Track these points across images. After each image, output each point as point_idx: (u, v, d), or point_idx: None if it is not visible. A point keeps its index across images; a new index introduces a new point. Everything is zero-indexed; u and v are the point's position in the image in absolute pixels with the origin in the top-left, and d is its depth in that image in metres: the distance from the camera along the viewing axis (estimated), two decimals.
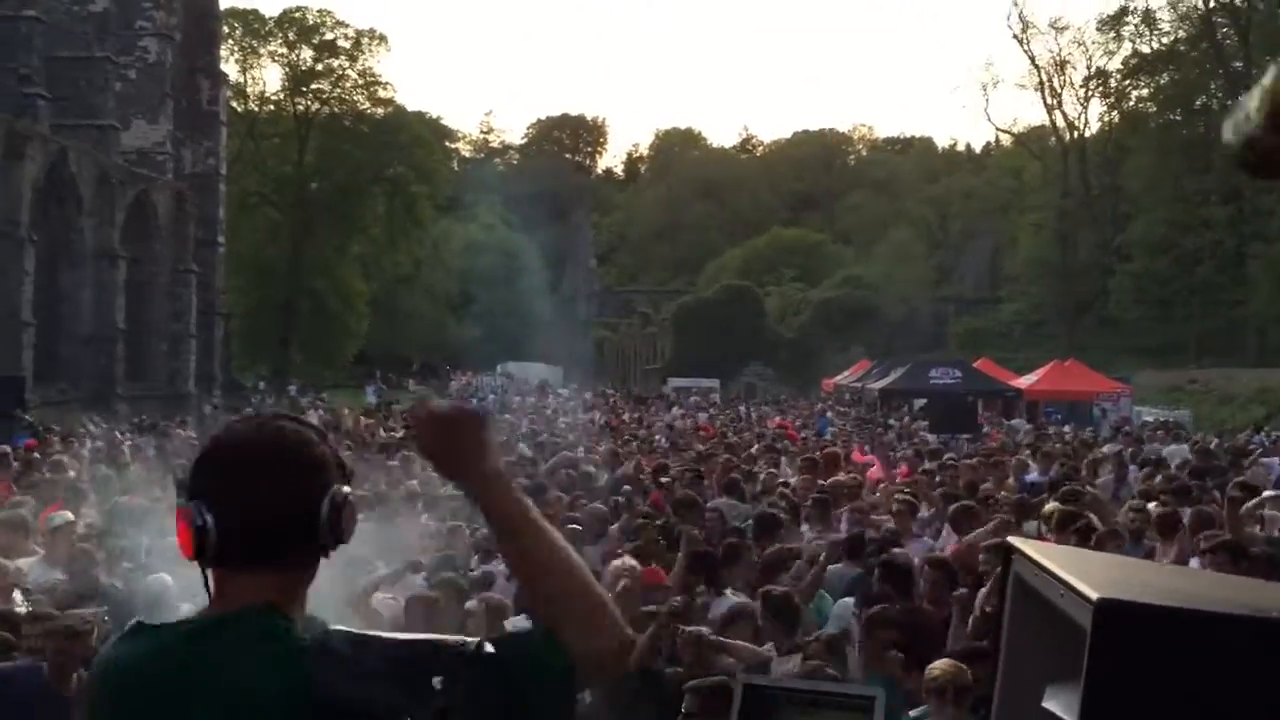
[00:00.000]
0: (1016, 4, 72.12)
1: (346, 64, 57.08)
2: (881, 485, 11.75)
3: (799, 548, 7.59)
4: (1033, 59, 58.48)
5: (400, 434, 17.72)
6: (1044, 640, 1.80)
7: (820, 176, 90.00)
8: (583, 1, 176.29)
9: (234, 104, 49.97)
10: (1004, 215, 64.15)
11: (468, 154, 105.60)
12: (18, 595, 6.12)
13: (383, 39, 58.67)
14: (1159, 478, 12.00)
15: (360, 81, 57.33)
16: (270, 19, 57.53)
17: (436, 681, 1.54)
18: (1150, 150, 51.14)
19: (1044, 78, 57.78)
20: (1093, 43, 57.32)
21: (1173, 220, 47.75)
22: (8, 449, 13.49)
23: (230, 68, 50.76)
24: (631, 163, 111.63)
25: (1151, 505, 9.18)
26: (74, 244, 30.97)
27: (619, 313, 71.47)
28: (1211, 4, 50.44)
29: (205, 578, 1.69)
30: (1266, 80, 1.32)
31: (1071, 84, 58.55)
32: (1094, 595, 1.40)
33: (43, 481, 10.99)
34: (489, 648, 1.59)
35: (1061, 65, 58.06)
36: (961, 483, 11.00)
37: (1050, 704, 1.67)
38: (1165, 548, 7.90)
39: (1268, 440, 19.82)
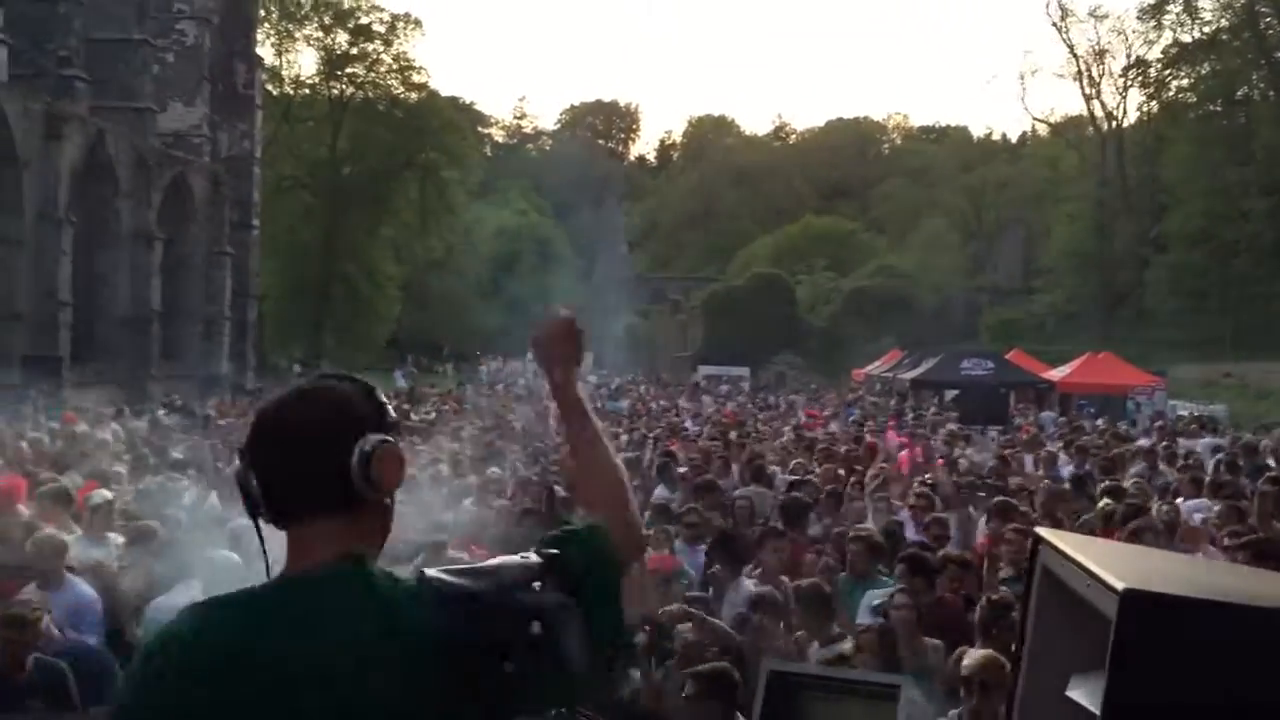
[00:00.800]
0: None
1: (381, 48, 57.24)
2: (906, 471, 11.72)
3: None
4: (1071, 48, 57.93)
5: (433, 417, 17.84)
6: (1069, 630, 1.80)
7: (854, 165, 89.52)
8: None
9: (269, 87, 50.19)
10: (1039, 206, 63.59)
11: (500, 139, 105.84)
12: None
13: (418, 23, 58.80)
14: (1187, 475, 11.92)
15: (395, 66, 57.48)
16: (306, 3, 57.73)
17: (529, 597, 1.66)
18: (1189, 141, 50.50)
19: (1082, 67, 57.25)
20: (1133, 31, 56.68)
21: (1211, 212, 47.18)
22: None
23: (266, 51, 51.04)
24: (664, 149, 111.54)
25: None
26: (111, 225, 31.27)
27: (650, 300, 71.44)
28: None
29: (261, 540, 1.75)
30: None
31: (1110, 73, 57.96)
32: (1120, 585, 1.41)
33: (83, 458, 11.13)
34: (553, 550, 1.76)
35: (1100, 54, 57.47)
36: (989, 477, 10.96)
37: (1074, 693, 1.67)
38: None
39: None
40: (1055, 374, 31.45)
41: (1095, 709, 1.49)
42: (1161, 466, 13.32)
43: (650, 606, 5.69)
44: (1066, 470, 13.29)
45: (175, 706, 1.59)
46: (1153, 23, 55.29)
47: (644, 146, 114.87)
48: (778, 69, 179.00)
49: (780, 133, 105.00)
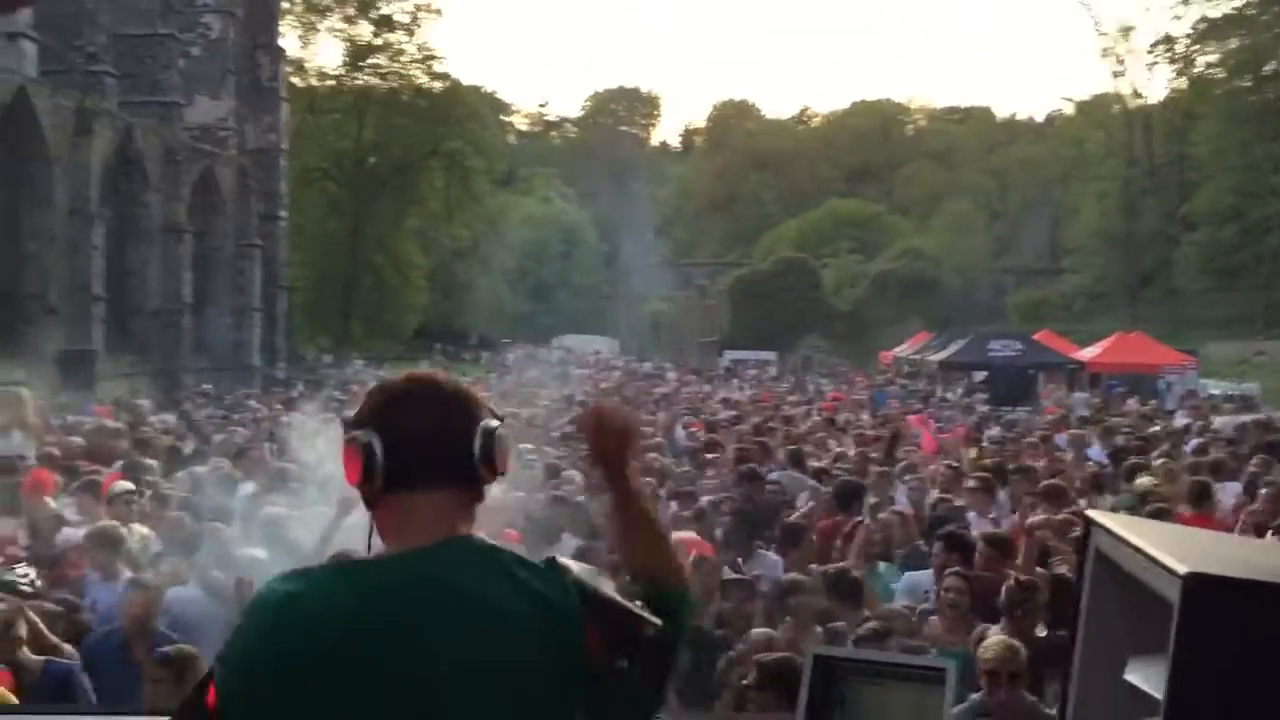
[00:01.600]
0: None
1: (404, 38, 57.36)
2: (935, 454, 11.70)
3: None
4: (1097, 24, 57.40)
5: None
6: (1125, 613, 1.82)
7: (878, 147, 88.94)
8: None
9: (294, 79, 50.38)
10: (1065, 185, 63.11)
11: (524, 128, 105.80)
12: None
13: (439, 13, 58.83)
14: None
15: (418, 56, 57.58)
16: None
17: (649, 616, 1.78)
18: (1218, 117, 49.96)
19: (1109, 44, 56.71)
20: (1159, 7, 56.13)
21: (1240, 189, 46.69)
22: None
23: (290, 43, 51.20)
24: (687, 135, 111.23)
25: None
26: (141, 219, 31.51)
27: (675, 285, 71.35)
28: None
29: (370, 506, 1.81)
30: None
31: (1137, 50, 57.38)
32: (1182, 569, 1.42)
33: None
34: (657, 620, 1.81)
35: (1127, 31, 56.92)
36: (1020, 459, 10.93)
37: (1133, 677, 1.69)
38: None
39: None
40: (1085, 354, 31.26)
41: (1156, 692, 1.50)
42: (1192, 444, 13.27)
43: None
44: (1096, 450, 13.26)
45: (317, 661, 1.59)
46: None
47: (667, 132, 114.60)
48: (799, 53, 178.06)
49: (803, 116, 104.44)
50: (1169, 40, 56.23)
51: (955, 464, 10.66)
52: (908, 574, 6.50)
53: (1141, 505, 7.85)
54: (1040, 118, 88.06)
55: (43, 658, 4.83)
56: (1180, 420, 17.22)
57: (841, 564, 6.35)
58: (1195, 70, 55.74)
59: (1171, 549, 1.56)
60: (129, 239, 31.12)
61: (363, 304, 54.46)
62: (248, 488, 9.08)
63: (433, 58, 57.81)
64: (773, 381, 31.82)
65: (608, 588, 1.78)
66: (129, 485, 8.24)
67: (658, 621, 1.79)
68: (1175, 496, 8.64)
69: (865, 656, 3.20)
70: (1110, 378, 29.77)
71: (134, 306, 31.32)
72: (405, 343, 56.62)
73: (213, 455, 11.23)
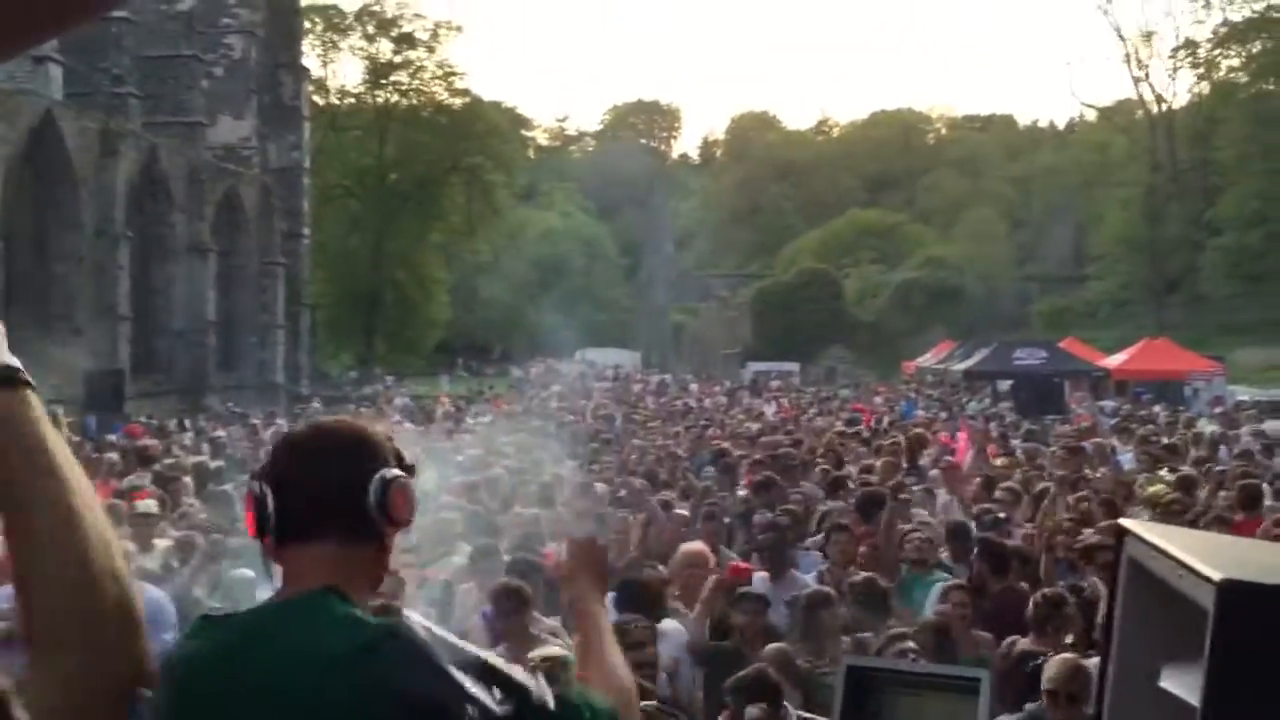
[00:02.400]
0: None
1: (424, 55, 57.71)
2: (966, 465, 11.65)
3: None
4: (1118, 30, 57.23)
5: (489, 420, 17.99)
6: (1161, 621, 1.82)
7: (898, 156, 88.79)
8: None
9: (315, 98, 50.78)
10: (1089, 192, 62.82)
11: (544, 142, 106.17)
12: None
13: (459, 29, 59.16)
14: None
15: (438, 73, 57.92)
16: (350, 13, 58.35)
17: (494, 703, 1.62)
18: (1242, 121, 49.69)
19: (1130, 49, 56.52)
20: (1181, 12, 56.03)
21: (1266, 193, 46.41)
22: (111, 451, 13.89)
23: (311, 62, 51.65)
24: (707, 147, 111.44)
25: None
26: (166, 239, 31.80)
27: (697, 297, 71.35)
28: None
29: (265, 559, 1.80)
30: None
31: (1159, 55, 57.24)
32: (1217, 576, 1.42)
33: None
34: (552, 704, 1.71)
35: (1148, 36, 56.74)
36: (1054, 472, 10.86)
37: (1169, 684, 1.69)
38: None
39: None
40: (1111, 361, 31.09)
41: (1193, 700, 1.50)
42: (1222, 453, 13.17)
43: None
44: (1126, 458, 13.18)
45: (166, 714, 1.63)
46: (1202, 2, 54.57)
47: (687, 145, 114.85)
48: (819, 63, 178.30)
49: (823, 126, 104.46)
50: (1191, 45, 56.09)
51: (991, 474, 10.63)
52: (935, 584, 6.48)
53: (1150, 510, 7.80)
54: (1062, 124, 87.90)
55: None
56: (1208, 427, 17.08)
57: (868, 574, 6.33)
58: (1218, 74, 55.49)
59: (1206, 556, 1.56)
60: (154, 258, 31.42)
61: (385, 320, 54.70)
62: None
63: (453, 74, 58.18)
64: (797, 394, 31.67)
65: (464, 667, 1.63)
66: (152, 506, 8.35)
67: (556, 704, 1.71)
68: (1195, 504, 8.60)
69: (900, 667, 3.20)
70: (1137, 385, 29.57)
71: (159, 325, 31.60)
72: (427, 358, 56.86)
73: (235, 473, 11.38)
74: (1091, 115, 68.12)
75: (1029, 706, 4.54)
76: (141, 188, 30.35)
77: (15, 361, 1.22)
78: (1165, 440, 14.27)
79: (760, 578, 6.55)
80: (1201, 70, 56.61)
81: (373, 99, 58.07)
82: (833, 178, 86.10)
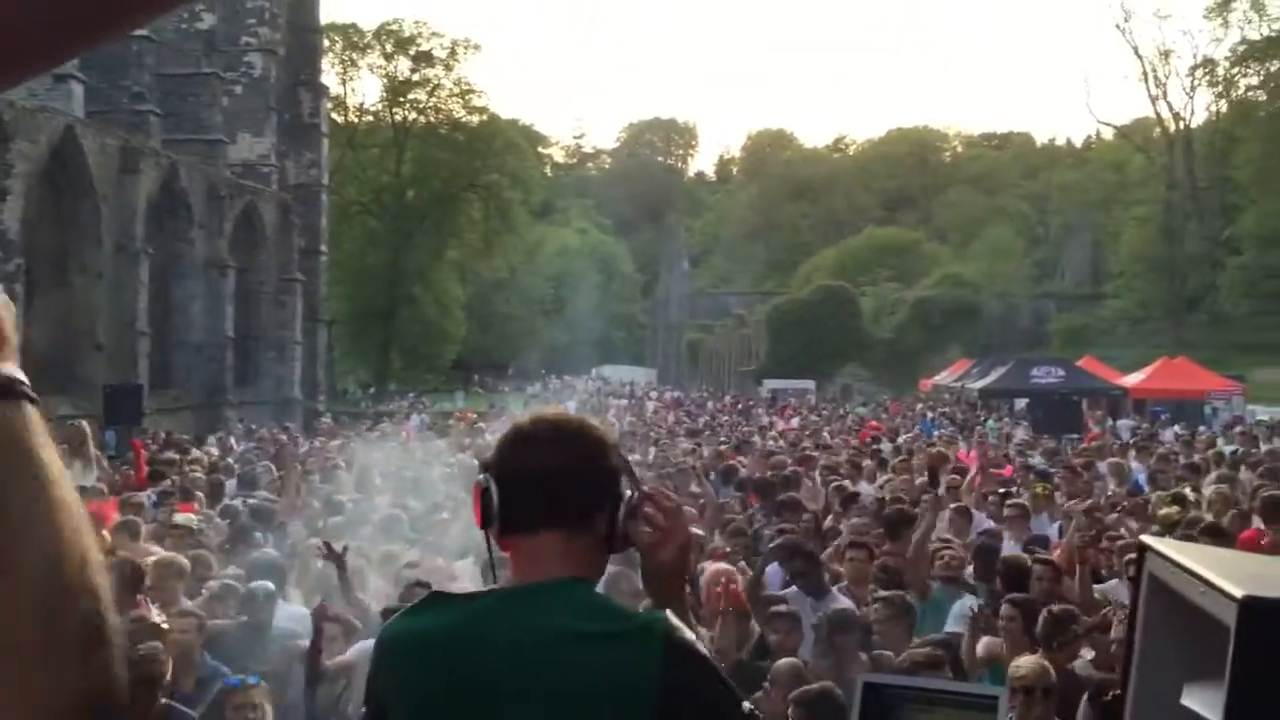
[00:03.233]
0: None
1: (442, 73, 58.03)
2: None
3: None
4: (1135, 49, 57.16)
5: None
6: (1181, 638, 1.81)
7: (915, 174, 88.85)
8: (673, 5, 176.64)
9: (334, 115, 51.10)
10: (1106, 210, 62.68)
11: (560, 159, 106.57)
12: None
13: (477, 48, 59.46)
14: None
15: (455, 90, 58.22)
16: (368, 32, 58.77)
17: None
18: (1260, 139, 49.53)
19: (1148, 68, 56.44)
20: (1199, 30, 56.01)
21: None
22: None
23: (330, 80, 51.98)
24: (723, 165, 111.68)
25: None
26: (185, 255, 31.96)
27: (713, 315, 71.41)
28: None
29: (490, 544, 1.84)
30: None
31: (1177, 73, 57.14)
32: (1239, 593, 1.42)
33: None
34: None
35: (1166, 54, 56.64)
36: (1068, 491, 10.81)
37: (1190, 702, 1.68)
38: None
39: None
40: (1129, 380, 30.93)
41: (1214, 717, 1.50)
42: (1243, 473, 13.07)
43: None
44: (1142, 478, 13.11)
45: (401, 690, 1.70)
46: (1219, 21, 54.47)
47: (703, 163, 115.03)
48: (835, 81, 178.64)
49: (839, 144, 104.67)
50: (1209, 63, 55.96)
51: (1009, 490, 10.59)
52: (959, 601, 6.45)
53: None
54: (1079, 142, 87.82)
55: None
56: (1228, 447, 16.98)
57: (890, 593, 6.30)
58: (1236, 93, 55.34)
59: (1227, 573, 1.56)
60: (173, 275, 31.58)
61: (402, 336, 54.88)
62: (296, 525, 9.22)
63: (470, 92, 58.47)
64: (811, 411, 31.63)
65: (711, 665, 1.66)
66: (193, 518, 8.46)
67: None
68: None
69: (916, 684, 3.18)
70: (1155, 404, 29.43)
71: (178, 341, 31.74)
72: (444, 374, 57.01)
73: (243, 489, 11.54)
74: (1109, 133, 68.13)
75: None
76: (161, 204, 30.52)
77: (19, 374, 1.23)
78: (1184, 460, 14.20)
79: (793, 593, 6.52)
80: (1219, 89, 56.51)
81: (391, 117, 58.42)
82: (849, 195, 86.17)
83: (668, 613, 1.71)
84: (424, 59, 57.79)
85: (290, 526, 9.12)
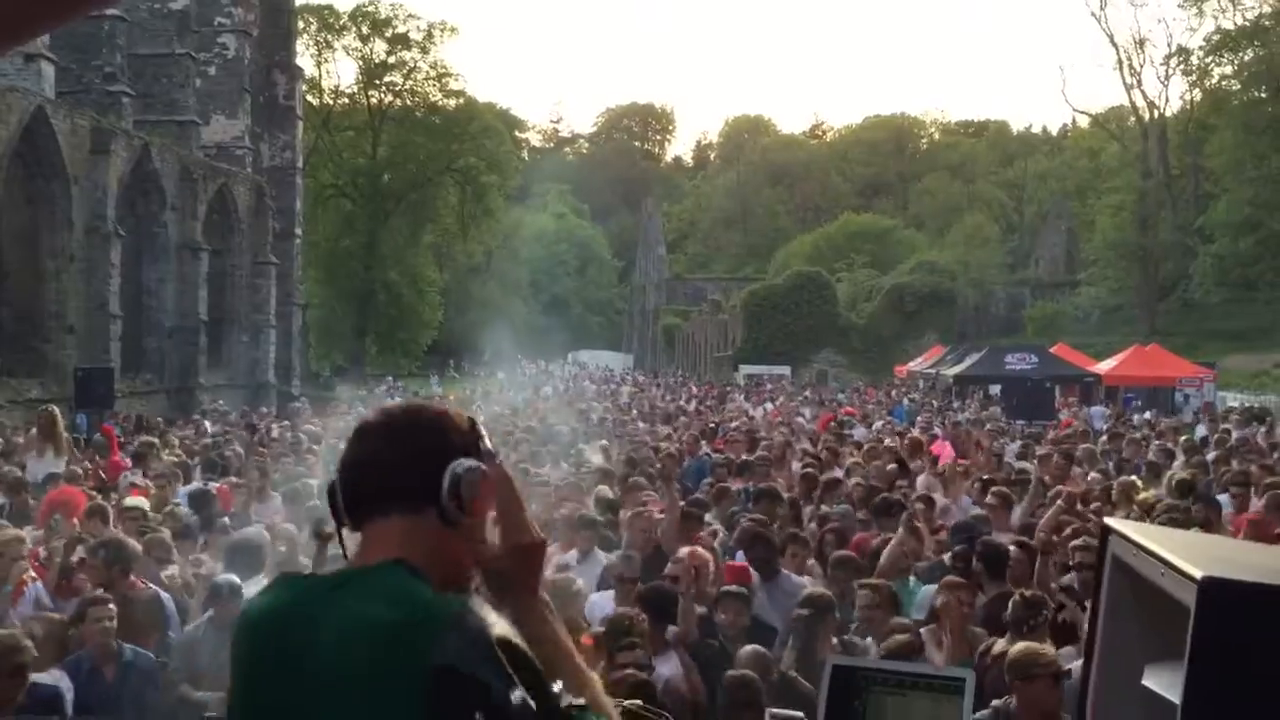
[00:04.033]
0: None
1: (418, 56, 57.66)
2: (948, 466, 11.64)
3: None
4: (1111, 37, 57.35)
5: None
6: (1143, 620, 1.82)
7: (892, 161, 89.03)
8: None
9: (309, 98, 50.70)
10: (1081, 198, 62.96)
11: (537, 143, 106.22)
12: None
13: (454, 30, 59.09)
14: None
15: (432, 73, 57.89)
16: (344, 13, 58.33)
17: (515, 696, 1.60)
18: (1234, 128, 49.78)
19: (1123, 56, 56.64)
20: (1173, 19, 56.21)
21: (1258, 200, 46.49)
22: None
23: (305, 62, 51.58)
24: (701, 150, 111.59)
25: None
26: (158, 238, 31.67)
27: (689, 300, 71.37)
28: None
29: (341, 538, 1.87)
30: None
31: (1151, 62, 57.36)
32: (1198, 574, 1.43)
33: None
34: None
35: (1141, 43, 56.85)
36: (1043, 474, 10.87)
37: (1151, 682, 1.69)
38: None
39: None
40: (1102, 367, 31.15)
41: (1174, 698, 1.50)
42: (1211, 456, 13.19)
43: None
44: (1112, 463, 13.21)
45: (236, 663, 1.79)
46: (1194, 10, 54.68)
47: (680, 148, 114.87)
48: (813, 67, 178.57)
49: (817, 131, 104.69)
50: (1184, 52, 56.21)
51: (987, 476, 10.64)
52: (924, 587, 6.49)
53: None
54: (1055, 130, 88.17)
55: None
56: (1199, 432, 17.14)
57: (876, 580, 6.33)
58: (1210, 82, 55.63)
59: (1188, 555, 1.57)
60: (146, 257, 31.29)
61: (377, 320, 54.63)
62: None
63: (447, 75, 58.18)
64: (787, 399, 31.67)
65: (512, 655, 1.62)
66: (143, 502, 8.41)
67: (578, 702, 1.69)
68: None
69: (884, 667, 3.19)
70: (1127, 391, 29.66)
71: (151, 324, 31.47)
72: (419, 359, 56.80)
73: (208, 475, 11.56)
74: (1084, 121, 68.38)
75: (995, 703, 4.63)
76: (133, 186, 30.22)
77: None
78: (1157, 444, 14.32)
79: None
80: (1194, 78, 56.77)
81: (366, 99, 58.06)
82: (826, 182, 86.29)
83: (470, 600, 1.70)
84: (400, 41, 57.43)
85: (256, 510, 9.15)
